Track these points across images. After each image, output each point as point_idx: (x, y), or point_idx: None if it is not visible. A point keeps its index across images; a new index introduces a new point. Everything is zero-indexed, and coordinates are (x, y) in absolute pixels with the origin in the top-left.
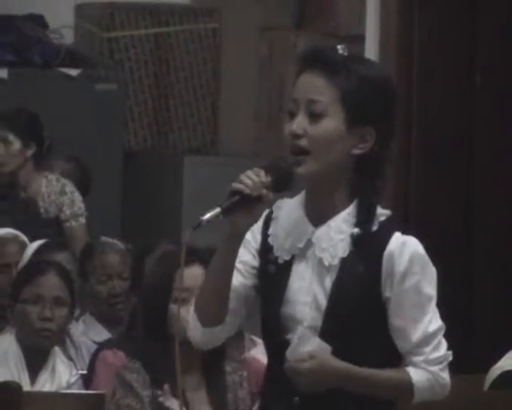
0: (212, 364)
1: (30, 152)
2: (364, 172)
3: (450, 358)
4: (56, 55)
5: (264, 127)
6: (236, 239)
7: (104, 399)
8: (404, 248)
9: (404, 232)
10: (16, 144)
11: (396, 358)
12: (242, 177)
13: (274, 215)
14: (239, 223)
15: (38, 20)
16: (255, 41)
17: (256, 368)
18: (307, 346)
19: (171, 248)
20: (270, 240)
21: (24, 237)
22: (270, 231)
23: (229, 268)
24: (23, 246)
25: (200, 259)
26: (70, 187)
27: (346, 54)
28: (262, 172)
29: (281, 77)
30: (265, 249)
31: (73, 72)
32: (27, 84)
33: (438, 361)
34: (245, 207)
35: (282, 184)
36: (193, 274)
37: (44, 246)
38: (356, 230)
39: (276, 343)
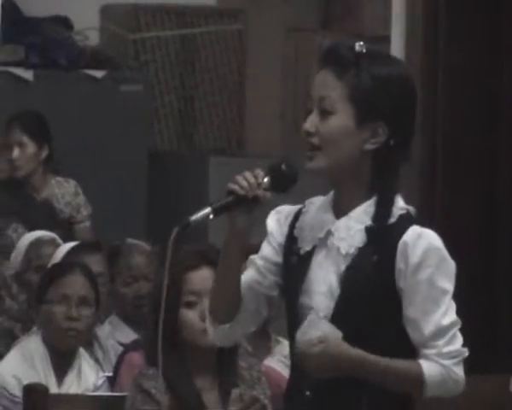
0: (224, 363)
1: (44, 154)
2: (380, 168)
3: (466, 354)
4: (81, 57)
5: (289, 127)
6: (236, 238)
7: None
8: (420, 239)
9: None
10: (31, 147)
11: (409, 351)
12: (238, 177)
13: (305, 210)
14: (237, 223)
15: (63, 22)
16: (281, 42)
17: (273, 376)
18: (318, 330)
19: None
20: (295, 232)
21: (59, 240)
22: (297, 224)
23: (233, 266)
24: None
25: (209, 261)
26: (80, 188)
27: (363, 50)
28: (260, 173)
29: (306, 77)
30: (290, 242)
31: (98, 73)
32: (53, 86)
33: (451, 355)
34: (241, 207)
35: (281, 185)
36: (202, 277)
37: (75, 248)
38: (370, 223)
39: (294, 335)
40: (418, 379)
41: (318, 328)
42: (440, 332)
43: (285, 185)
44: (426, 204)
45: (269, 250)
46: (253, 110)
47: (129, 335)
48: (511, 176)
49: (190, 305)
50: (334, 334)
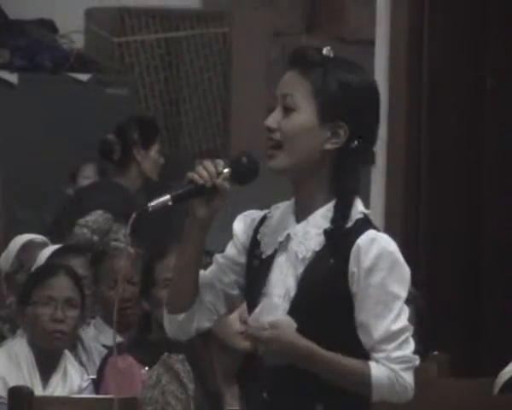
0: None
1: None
2: (341, 170)
3: (417, 362)
4: (66, 60)
5: None
6: (196, 227)
7: (114, 403)
8: (373, 243)
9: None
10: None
11: (362, 356)
12: (199, 167)
13: (269, 215)
14: (197, 211)
15: (48, 25)
16: (266, 45)
17: None
18: (270, 316)
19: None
20: (258, 236)
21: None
22: (261, 228)
23: (192, 255)
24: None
25: None
26: None
27: (331, 55)
28: (221, 163)
29: None
30: (253, 245)
31: (83, 76)
32: (37, 90)
33: (400, 360)
34: (201, 196)
35: (241, 177)
36: None
37: (59, 251)
38: (328, 226)
39: None
40: (365, 379)
41: (271, 313)
42: (390, 337)
43: (245, 178)
44: (411, 203)
45: (233, 250)
46: (237, 113)
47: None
48: (495, 177)
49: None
50: (287, 321)
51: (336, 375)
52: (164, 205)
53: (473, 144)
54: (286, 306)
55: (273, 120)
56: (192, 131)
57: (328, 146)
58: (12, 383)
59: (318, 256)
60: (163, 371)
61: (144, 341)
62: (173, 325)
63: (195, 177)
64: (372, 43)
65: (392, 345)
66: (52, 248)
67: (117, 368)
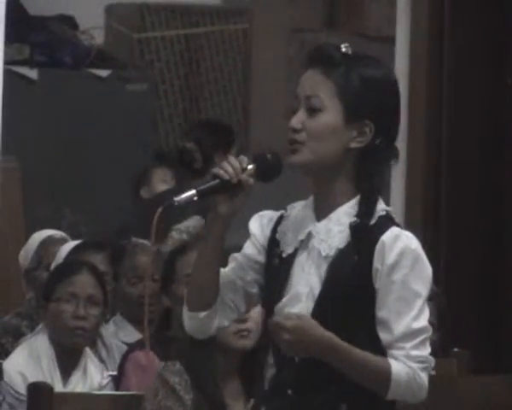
0: (251, 371)
1: None
2: (365, 168)
3: (432, 364)
4: (87, 56)
5: None
6: (217, 223)
7: (135, 399)
8: (397, 241)
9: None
10: None
11: (382, 354)
12: (224, 163)
13: (286, 214)
14: (219, 207)
15: (69, 21)
16: (285, 41)
17: None
18: (295, 309)
19: None
20: (277, 236)
21: (70, 239)
22: (279, 228)
23: (213, 252)
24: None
25: None
26: None
27: (349, 52)
28: (245, 159)
29: None
30: (272, 245)
31: (103, 72)
32: (57, 86)
33: (419, 360)
34: (225, 192)
35: (266, 174)
36: None
37: (79, 246)
38: (354, 219)
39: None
40: (385, 376)
41: (295, 306)
42: (410, 335)
43: (269, 174)
44: (431, 203)
45: (252, 249)
46: (257, 110)
47: (133, 334)
48: None
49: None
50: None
51: (357, 370)
52: (190, 199)
53: (493, 139)
54: (310, 304)
55: (298, 120)
56: None
57: (354, 145)
58: (32, 380)
59: (342, 254)
60: (159, 385)
61: (164, 337)
62: (194, 322)
63: (221, 172)
64: (392, 39)
65: (412, 343)
66: (72, 243)
67: (138, 364)
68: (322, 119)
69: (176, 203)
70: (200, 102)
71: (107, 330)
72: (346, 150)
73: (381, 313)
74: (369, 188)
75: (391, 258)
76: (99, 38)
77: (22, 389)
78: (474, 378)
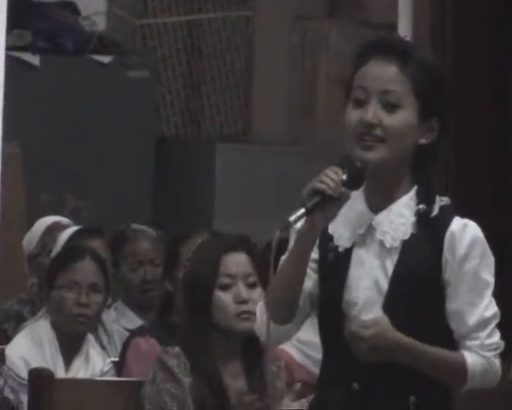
0: (251, 353)
1: None
2: (424, 161)
3: (502, 347)
4: (88, 42)
5: (296, 115)
6: (312, 238)
7: (137, 386)
8: (466, 229)
9: None
10: None
11: (449, 345)
12: (323, 176)
13: None
14: (316, 222)
15: (71, 7)
16: (288, 29)
17: (285, 359)
18: (370, 314)
19: (214, 234)
20: (330, 230)
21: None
22: (331, 222)
23: (303, 267)
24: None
25: (246, 246)
26: None
27: (409, 42)
28: (339, 171)
29: (313, 65)
30: (325, 240)
31: (105, 59)
32: (59, 71)
33: (492, 348)
34: (326, 206)
35: (356, 182)
36: (238, 260)
37: (78, 233)
38: (421, 206)
39: (336, 331)
40: (462, 370)
41: (370, 310)
42: (483, 324)
43: (360, 182)
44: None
45: None
46: (259, 97)
47: (134, 321)
48: None
49: (225, 287)
50: (385, 318)
51: (433, 368)
52: (301, 218)
53: (495, 131)
54: (375, 298)
55: (374, 115)
56: (214, 115)
57: (423, 141)
58: (34, 365)
59: (408, 245)
60: (158, 368)
61: (166, 322)
62: (279, 334)
63: (323, 187)
64: (395, 27)
65: (485, 332)
66: (71, 230)
67: (139, 351)
68: (400, 116)
69: (292, 223)
70: (202, 89)
71: (109, 316)
72: (416, 146)
73: (454, 304)
74: (427, 179)
75: (462, 248)
76: (101, 24)
77: (24, 374)
78: None
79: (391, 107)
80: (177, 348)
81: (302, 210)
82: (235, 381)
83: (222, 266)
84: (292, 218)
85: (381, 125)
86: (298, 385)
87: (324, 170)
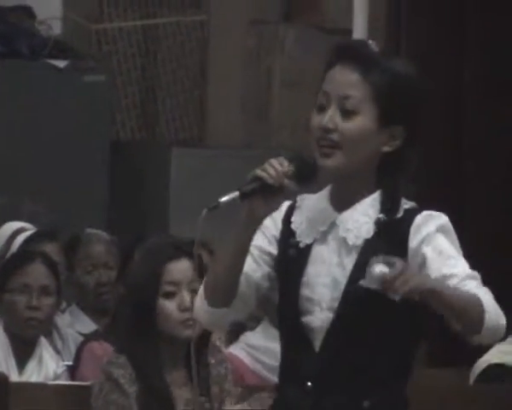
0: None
1: None
2: (390, 167)
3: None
4: (44, 47)
5: (251, 119)
6: (252, 225)
7: (89, 390)
8: (430, 217)
9: None
10: None
11: (413, 335)
12: (266, 165)
13: (298, 205)
14: (256, 210)
15: (27, 11)
16: (243, 33)
17: (235, 364)
18: (326, 311)
19: (158, 241)
20: (292, 226)
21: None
22: (293, 218)
23: (242, 253)
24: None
25: (188, 253)
26: None
27: (377, 49)
28: (285, 162)
29: (268, 69)
30: (287, 235)
31: (61, 63)
32: (15, 75)
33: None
34: (264, 195)
35: (304, 176)
36: (181, 268)
37: (32, 237)
38: (381, 215)
39: (293, 327)
40: (478, 303)
41: (328, 308)
42: (471, 275)
43: (307, 177)
44: None
45: (263, 241)
46: (214, 101)
47: (89, 325)
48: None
49: (169, 295)
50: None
51: (458, 305)
52: (233, 201)
53: (452, 134)
54: (333, 294)
55: (330, 120)
56: (169, 119)
57: (386, 149)
58: None
59: (370, 244)
60: (104, 379)
61: (120, 327)
62: (213, 318)
63: (264, 175)
64: (349, 32)
65: (477, 281)
66: (26, 233)
67: (94, 355)
68: (357, 122)
69: (220, 204)
70: (157, 93)
71: (63, 320)
72: (378, 154)
73: (436, 273)
74: (394, 186)
75: (428, 229)
76: (57, 29)
77: None
78: (431, 371)
79: (348, 112)
80: (122, 358)
81: (236, 193)
82: (180, 389)
83: (165, 274)
84: (223, 199)
85: (336, 130)
86: (238, 389)
87: (270, 159)
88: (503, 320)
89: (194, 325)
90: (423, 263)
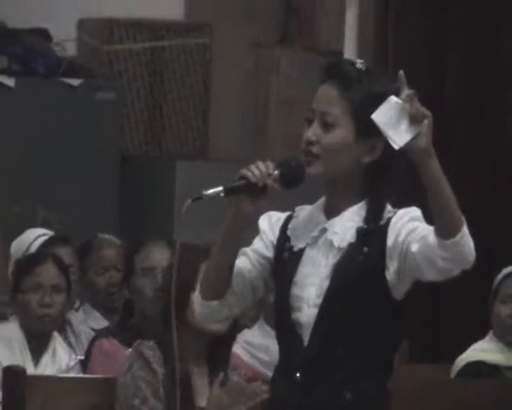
0: (217, 354)
1: None
2: (373, 178)
3: None
4: (59, 66)
5: (249, 134)
6: (239, 220)
7: (102, 383)
8: (404, 213)
9: None
10: None
11: (394, 329)
12: (251, 166)
13: (295, 215)
14: (243, 207)
15: (43, 34)
16: (243, 55)
17: (234, 360)
18: (314, 309)
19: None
20: (288, 232)
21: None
22: (290, 225)
23: (231, 247)
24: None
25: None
26: None
27: (363, 68)
28: (271, 165)
29: (266, 88)
30: (283, 241)
31: (75, 82)
32: (33, 93)
33: None
34: (249, 194)
35: (289, 180)
36: None
37: (48, 241)
38: (362, 224)
39: (285, 323)
40: (460, 214)
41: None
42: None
43: (292, 181)
44: None
45: (261, 245)
46: (216, 118)
47: (100, 321)
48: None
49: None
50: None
51: (444, 190)
52: (217, 195)
53: (437, 149)
54: (319, 293)
55: (313, 133)
56: (174, 134)
57: (365, 159)
58: (5, 363)
59: (353, 247)
60: (134, 357)
61: (128, 324)
62: (206, 310)
63: (248, 174)
64: (341, 53)
65: None
66: (43, 238)
67: (103, 350)
68: (334, 135)
69: (204, 197)
70: (163, 110)
71: (77, 317)
72: (358, 164)
73: (415, 246)
74: (377, 196)
75: (400, 223)
76: (71, 50)
77: None
78: (413, 367)
79: (327, 126)
80: (151, 342)
81: (219, 188)
82: (201, 382)
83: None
84: (207, 192)
85: (318, 142)
86: (221, 375)
87: (257, 161)
88: (473, 252)
89: (221, 320)
90: (401, 249)
